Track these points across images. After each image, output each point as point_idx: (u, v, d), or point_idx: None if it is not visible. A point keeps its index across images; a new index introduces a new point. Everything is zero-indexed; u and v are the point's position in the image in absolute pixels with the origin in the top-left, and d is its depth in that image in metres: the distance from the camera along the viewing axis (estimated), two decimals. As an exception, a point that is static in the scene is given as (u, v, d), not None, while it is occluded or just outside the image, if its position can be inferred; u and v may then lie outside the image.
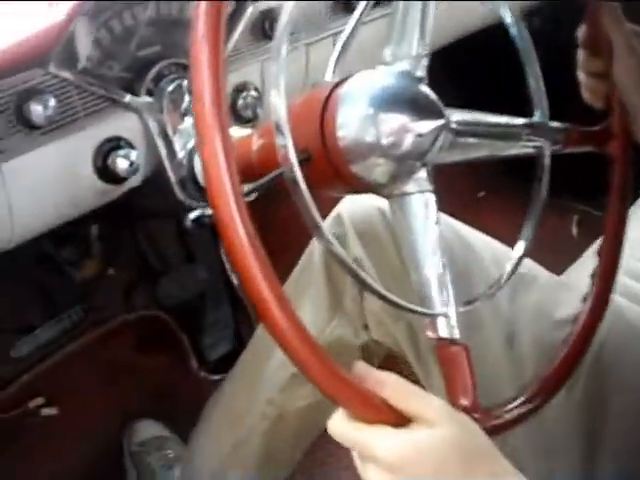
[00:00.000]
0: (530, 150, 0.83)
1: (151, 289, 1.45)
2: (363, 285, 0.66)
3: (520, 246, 0.81)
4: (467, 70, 1.89)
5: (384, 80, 0.75)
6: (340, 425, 0.59)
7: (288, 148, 0.63)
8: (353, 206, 0.99)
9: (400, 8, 0.77)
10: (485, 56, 1.69)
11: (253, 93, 1.09)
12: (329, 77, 0.85)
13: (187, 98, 1.01)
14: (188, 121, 1.01)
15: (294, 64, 1.16)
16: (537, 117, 0.83)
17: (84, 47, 0.93)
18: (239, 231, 0.55)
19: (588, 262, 1.17)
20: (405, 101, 0.72)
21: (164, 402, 1.49)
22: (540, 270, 0.98)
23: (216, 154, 0.56)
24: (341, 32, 0.85)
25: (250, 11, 1.08)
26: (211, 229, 1.34)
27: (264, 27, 1.10)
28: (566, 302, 0.92)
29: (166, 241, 1.42)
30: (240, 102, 1.08)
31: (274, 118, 0.64)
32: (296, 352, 0.56)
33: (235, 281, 1.50)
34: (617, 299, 0.91)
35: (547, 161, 0.82)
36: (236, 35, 1.07)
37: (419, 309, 0.69)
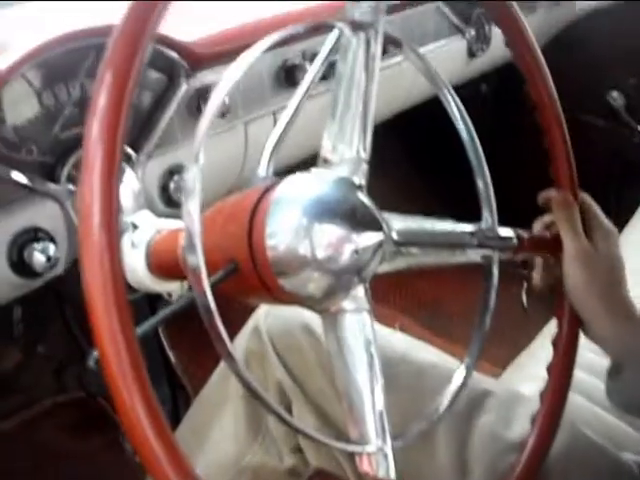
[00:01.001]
0: (478, 259, 0.77)
1: (82, 370, 1.37)
2: (282, 422, 0.60)
3: (467, 363, 0.75)
4: (409, 156, 1.86)
5: (320, 187, 0.68)
6: None
7: (200, 271, 0.56)
8: (274, 320, 0.93)
9: (341, 95, 0.71)
10: (428, 141, 1.65)
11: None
12: (263, 171, 0.78)
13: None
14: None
15: (231, 143, 1.10)
16: (485, 223, 0.78)
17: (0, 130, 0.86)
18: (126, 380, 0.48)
19: (540, 350, 1.12)
20: (343, 212, 0.66)
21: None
22: (490, 383, 0.92)
23: (102, 293, 0.49)
24: (282, 108, 0.79)
25: (184, 89, 1.02)
26: (149, 304, 1.27)
27: (199, 105, 1.04)
28: (518, 419, 0.86)
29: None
30: (172, 185, 1.02)
31: (187, 230, 0.57)
32: None
33: (173, 359, 1.43)
34: (572, 397, 0.85)
35: (496, 270, 0.77)
36: (169, 114, 1.01)
37: (349, 447, 0.63)
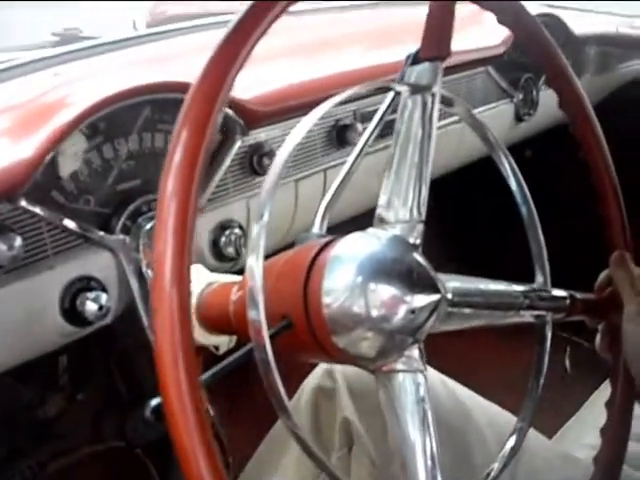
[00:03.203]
0: (530, 319, 0.77)
1: (121, 419, 1.37)
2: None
3: (520, 427, 0.74)
4: (460, 215, 1.86)
5: (375, 246, 0.68)
6: None
7: (261, 324, 0.57)
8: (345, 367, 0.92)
9: (398, 153, 0.72)
10: (482, 204, 1.65)
11: (237, 231, 1.04)
12: (317, 228, 0.79)
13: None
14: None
15: (281, 201, 1.11)
16: (538, 284, 0.78)
17: (59, 181, 0.88)
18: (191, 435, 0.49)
19: (589, 416, 1.10)
20: (398, 272, 0.66)
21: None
22: (544, 447, 0.91)
23: (170, 342, 0.50)
24: (333, 167, 0.80)
25: (238, 145, 1.04)
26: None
27: (252, 162, 1.05)
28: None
29: (139, 372, 1.35)
30: (223, 239, 1.03)
31: (249, 285, 0.58)
32: None
33: (211, 414, 1.42)
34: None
35: (549, 332, 0.76)
36: (222, 170, 1.02)
37: None
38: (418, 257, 0.68)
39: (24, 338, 0.88)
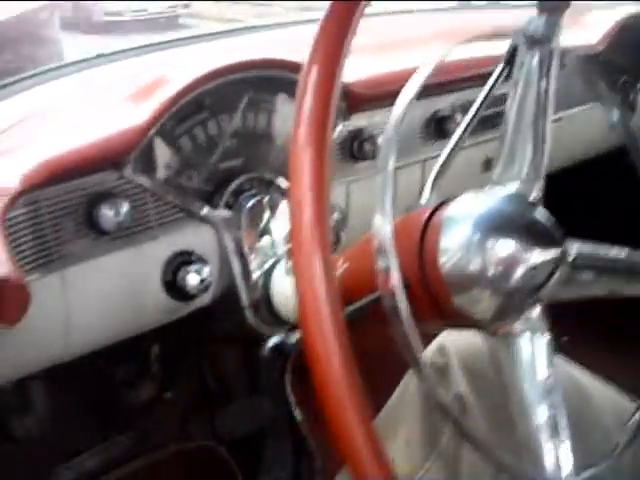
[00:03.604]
0: None
1: (208, 418, 1.35)
2: (463, 435, 0.56)
3: None
4: (586, 196, 1.78)
5: (492, 203, 0.66)
6: None
7: (392, 271, 0.55)
8: (459, 336, 0.89)
9: (509, 131, 0.70)
10: (607, 182, 1.59)
11: (337, 215, 1.02)
12: (425, 200, 0.77)
13: (266, 216, 0.95)
14: (266, 240, 0.94)
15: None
16: None
17: (164, 154, 0.88)
18: (336, 368, 0.47)
19: None
20: (517, 227, 0.63)
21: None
22: None
23: (314, 279, 0.48)
24: (431, 158, 0.79)
25: (339, 129, 1.02)
26: (284, 359, 1.26)
27: (352, 148, 1.04)
28: None
29: (230, 368, 1.33)
30: (325, 224, 1.01)
31: (377, 239, 0.57)
32: None
33: (299, 417, 1.39)
34: None
35: None
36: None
37: (526, 473, 0.59)
38: (539, 212, 0.65)
39: (126, 310, 0.88)
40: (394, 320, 0.54)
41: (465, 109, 1.15)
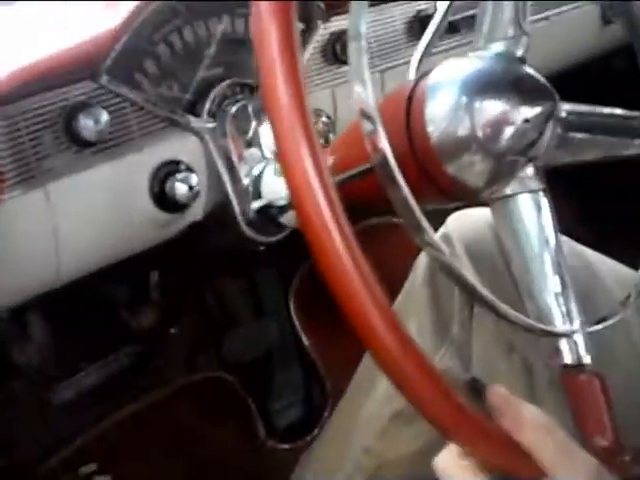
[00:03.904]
0: None
1: (215, 348, 1.35)
2: (475, 296, 0.55)
3: None
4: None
5: (477, 64, 0.64)
6: (451, 465, 0.47)
7: (378, 132, 0.53)
8: (462, 222, 0.88)
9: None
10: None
11: (324, 119, 0.99)
12: (412, 76, 0.75)
13: (253, 123, 0.92)
14: (254, 148, 0.92)
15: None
16: None
17: (141, 61, 0.85)
18: (333, 231, 0.45)
19: None
20: (504, 84, 0.62)
21: (229, 473, 1.36)
22: None
23: (296, 141, 0.46)
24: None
25: (320, 33, 1.00)
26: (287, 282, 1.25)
27: (335, 50, 1.01)
28: None
29: (232, 293, 1.32)
30: (311, 128, 0.99)
31: (359, 105, 0.55)
32: (413, 382, 0.45)
33: (306, 341, 1.39)
34: None
35: None
36: (305, 57, 0.99)
37: (541, 326, 0.57)
38: (527, 68, 0.63)
39: (115, 227, 0.85)
40: (389, 186, 0.53)
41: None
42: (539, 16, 1.28)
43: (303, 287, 1.38)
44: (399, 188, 0.53)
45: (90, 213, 0.83)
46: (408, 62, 1.08)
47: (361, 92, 0.55)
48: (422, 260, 0.91)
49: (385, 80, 1.08)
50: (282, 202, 0.85)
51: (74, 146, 0.79)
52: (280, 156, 0.48)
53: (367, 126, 0.54)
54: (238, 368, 1.35)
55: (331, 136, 0.99)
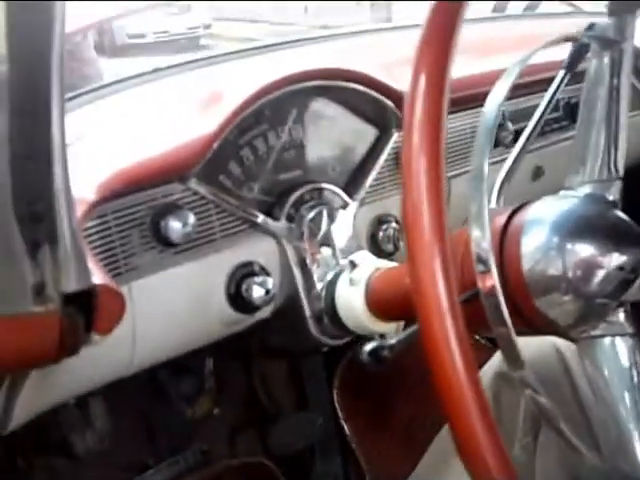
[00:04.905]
0: None
1: (257, 433, 1.34)
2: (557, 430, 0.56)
3: None
4: None
5: (570, 205, 0.66)
6: None
7: (492, 274, 0.56)
8: (527, 341, 0.88)
9: (583, 115, 0.70)
10: None
11: (394, 225, 1.01)
12: (494, 204, 0.77)
13: (325, 226, 0.94)
14: (326, 250, 0.94)
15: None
16: None
17: (227, 166, 0.88)
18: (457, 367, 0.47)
19: None
20: (596, 229, 0.63)
21: None
22: None
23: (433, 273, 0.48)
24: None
25: (394, 139, 1.02)
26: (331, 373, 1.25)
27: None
28: None
29: (278, 380, 1.33)
30: (381, 234, 1.01)
31: (474, 235, 0.57)
32: None
33: (348, 431, 1.38)
34: None
35: None
36: (379, 164, 1.01)
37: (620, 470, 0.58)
38: (618, 213, 0.65)
39: (189, 323, 0.87)
40: (494, 322, 0.54)
41: (514, 117, 1.16)
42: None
43: (346, 377, 1.38)
44: (505, 325, 0.54)
45: (168, 309, 0.84)
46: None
47: (479, 236, 0.57)
48: (487, 375, 0.92)
49: (451, 187, 1.10)
50: (355, 312, 0.86)
51: (160, 246, 0.81)
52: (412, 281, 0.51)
53: (480, 267, 0.56)
54: (280, 455, 1.35)
55: (400, 243, 1.00)
